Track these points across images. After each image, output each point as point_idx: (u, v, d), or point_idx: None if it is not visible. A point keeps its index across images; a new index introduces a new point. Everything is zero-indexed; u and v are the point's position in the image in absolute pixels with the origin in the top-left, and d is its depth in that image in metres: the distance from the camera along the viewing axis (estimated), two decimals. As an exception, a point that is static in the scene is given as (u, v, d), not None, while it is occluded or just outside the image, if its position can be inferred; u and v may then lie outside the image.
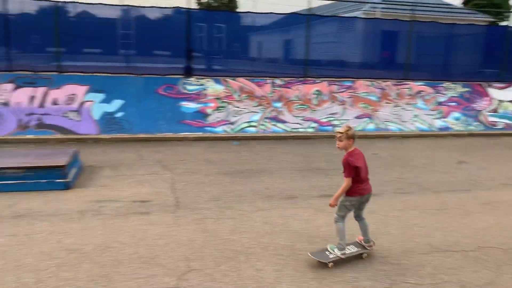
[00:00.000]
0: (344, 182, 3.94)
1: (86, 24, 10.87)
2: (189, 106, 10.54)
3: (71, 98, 9.86)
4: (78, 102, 9.88)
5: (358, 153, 4.00)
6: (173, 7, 10.99)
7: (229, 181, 6.75)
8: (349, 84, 11.80)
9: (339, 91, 11.67)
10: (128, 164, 7.56)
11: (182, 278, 3.72)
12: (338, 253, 4.00)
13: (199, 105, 10.60)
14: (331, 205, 4.01)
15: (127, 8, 10.94)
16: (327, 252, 4.03)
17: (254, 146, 9.51)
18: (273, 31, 13.16)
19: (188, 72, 10.93)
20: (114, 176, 6.77)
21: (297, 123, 11.07)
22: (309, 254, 4.04)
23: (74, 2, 10.42)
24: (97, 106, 9.95)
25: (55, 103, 9.75)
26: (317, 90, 11.48)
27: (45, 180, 5.90)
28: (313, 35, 11.60)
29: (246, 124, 10.70)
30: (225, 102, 10.79)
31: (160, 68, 11.01)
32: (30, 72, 9.91)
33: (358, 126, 11.33)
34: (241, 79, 11.11)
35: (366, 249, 4.22)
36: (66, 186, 5.97)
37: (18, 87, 9.70)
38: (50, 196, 5.69)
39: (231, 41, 12.34)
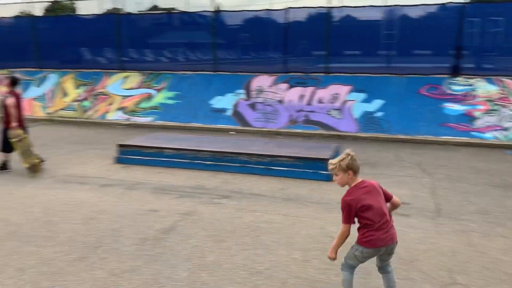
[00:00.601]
0: (341, 228, 2.99)
1: (349, 27, 11.39)
2: (454, 108, 9.71)
3: (334, 97, 10.55)
4: (340, 101, 10.48)
5: (365, 187, 2.98)
6: (441, 4, 10.32)
7: (500, 194, 5.91)
8: None
9: None
10: (386, 164, 7.56)
11: (444, 290, 3.47)
12: None
13: (465, 107, 9.65)
14: (329, 258, 3.13)
15: (388, 9, 10.91)
16: None
17: (535, 157, 8.05)
18: None
19: (455, 71, 10.09)
20: (373, 174, 6.87)
21: None
22: None
23: (344, 6, 11.08)
24: (358, 105, 10.32)
25: (320, 101, 10.63)
26: None
27: (310, 170, 6.50)
28: None
29: (524, 131, 9.14)
30: (499, 104, 9.46)
31: (423, 68, 10.59)
32: (302, 74, 11.09)
33: None
34: (521, 79, 9.53)
35: None
36: (328, 178, 6.40)
37: (291, 86, 11.01)
38: (314, 185, 6.24)
39: (508, 35, 10.75)
